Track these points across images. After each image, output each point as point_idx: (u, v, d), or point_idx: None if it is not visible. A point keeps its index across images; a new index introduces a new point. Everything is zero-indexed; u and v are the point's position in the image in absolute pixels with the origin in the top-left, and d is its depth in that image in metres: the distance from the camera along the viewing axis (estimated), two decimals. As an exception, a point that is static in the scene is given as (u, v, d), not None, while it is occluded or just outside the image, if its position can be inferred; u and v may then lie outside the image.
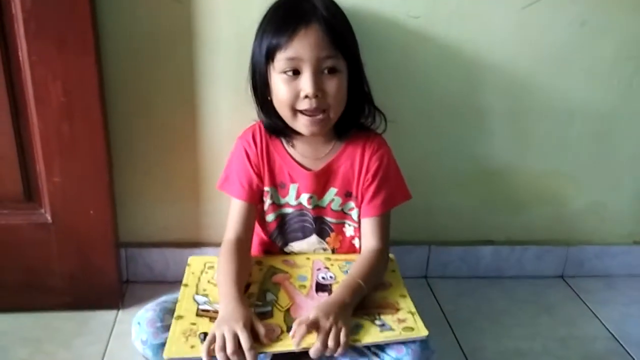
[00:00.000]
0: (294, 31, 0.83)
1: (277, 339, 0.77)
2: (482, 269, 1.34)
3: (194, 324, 0.80)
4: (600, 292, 1.32)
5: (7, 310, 1.11)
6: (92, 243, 1.10)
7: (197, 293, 0.87)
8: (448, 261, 1.33)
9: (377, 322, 0.81)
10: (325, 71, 0.85)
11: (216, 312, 0.81)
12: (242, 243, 0.94)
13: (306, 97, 0.85)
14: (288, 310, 0.83)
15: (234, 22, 1.05)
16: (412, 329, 0.80)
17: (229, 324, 0.76)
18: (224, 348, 0.73)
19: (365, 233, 0.96)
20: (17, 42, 0.97)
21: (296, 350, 0.76)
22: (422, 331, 0.79)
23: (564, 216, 1.33)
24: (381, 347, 0.80)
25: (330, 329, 0.76)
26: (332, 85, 0.86)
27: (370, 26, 0.97)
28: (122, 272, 1.20)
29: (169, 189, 1.18)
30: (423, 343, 0.80)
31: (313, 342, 0.75)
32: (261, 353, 0.75)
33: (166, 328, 0.81)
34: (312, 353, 0.75)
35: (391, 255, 0.99)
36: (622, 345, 1.14)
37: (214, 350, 0.74)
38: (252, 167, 0.96)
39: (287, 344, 0.76)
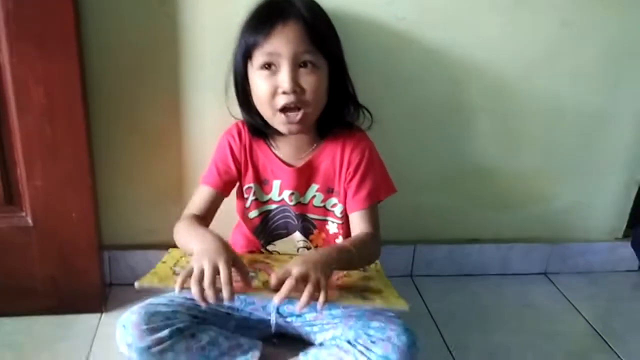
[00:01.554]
0: (271, 27, 0.83)
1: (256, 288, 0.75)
2: (467, 267, 1.35)
3: (171, 269, 0.80)
4: (583, 289, 1.34)
5: (-11, 315, 1.09)
6: (74, 246, 1.09)
7: (175, 265, 0.86)
8: (434, 259, 1.34)
9: (359, 296, 0.81)
10: (304, 65, 0.85)
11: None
12: (202, 220, 0.92)
13: (284, 92, 0.85)
14: (266, 282, 0.80)
15: (217, 28, 1.05)
16: (394, 303, 0.80)
17: (210, 255, 0.72)
18: (201, 280, 0.70)
19: (354, 226, 0.95)
20: (-1, 44, 0.96)
21: (276, 301, 0.72)
22: (402, 304, 0.79)
23: (548, 214, 1.35)
24: (367, 345, 0.80)
25: (308, 275, 0.73)
26: (310, 80, 0.86)
27: (356, 27, 0.97)
28: (105, 275, 1.19)
29: (152, 191, 1.18)
30: (409, 340, 0.81)
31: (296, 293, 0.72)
32: (239, 293, 0.71)
33: (151, 331, 0.80)
34: (275, 298, 0.71)
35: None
36: (605, 340, 1.16)
37: (187, 283, 0.70)
38: (233, 160, 0.96)
39: (264, 292, 0.74)
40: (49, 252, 1.09)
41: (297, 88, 0.85)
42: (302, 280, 0.72)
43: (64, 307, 1.11)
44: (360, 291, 0.84)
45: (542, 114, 1.24)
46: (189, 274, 0.71)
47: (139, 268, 1.20)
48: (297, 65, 0.85)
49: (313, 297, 0.71)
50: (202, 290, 0.70)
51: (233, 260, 0.74)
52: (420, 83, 1.17)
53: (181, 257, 0.91)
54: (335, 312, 0.88)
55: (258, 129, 0.94)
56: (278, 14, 0.84)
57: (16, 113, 0.99)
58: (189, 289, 0.70)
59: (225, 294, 0.69)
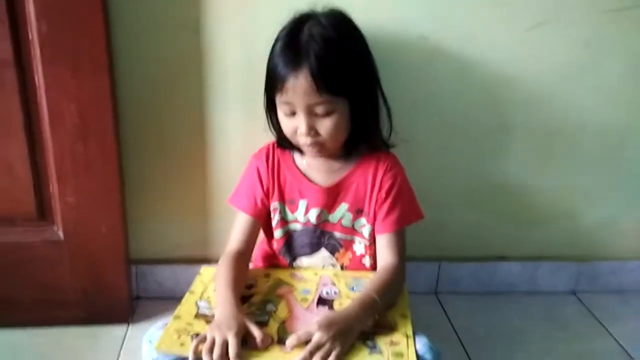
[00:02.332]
0: (285, 78, 0.85)
1: (267, 350, 0.76)
2: (493, 285, 1.33)
3: (190, 324, 0.81)
4: (614, 308, 1.30)
5: (21, 326, 1.12)
6: (103, 260, 1.12)
7: (200, 299, 0.88)
8: (459, 277, 1.32)
9: (369, 342, 0.79)
10: (319, 113, 0.87)
11: (214, 316, 0.82)
12: (242, 255, 0.95)
13: (302, 134, 0.89)
14: (284, 322, 0.83)
15: (244, 48, 1.08)
16: (401, 355, 0.77)
17: (221, 329, 0.76)
18: (211, 351, 0.74)
19: (380, 249, 0.96)
20: (33, 66, 1.00)
21: None
22: (411, 359, 0.77)
23: (576, 232, 1.32)
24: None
25: (324, 345, 0.75)
26: (325, 125, 0.88)
27: (381, 47, 0.98)
28: (132, 288, 1.21)
29: (179, 207, 1.20)
30: (434, 358, 0.80)
31: None
32: None
33: None
34: None
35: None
36: (636, 361, 1.13)
37: (201, 351, 0.74)
38: (261, 184, 0.97)
39: (275, 357, 0.76)
40: (80, 266, 1.12)
41: (312, 132, 0.88)
42: (318, 348, 0.75)
43: (92, 319, 1.14)
44: (371, 332, 0.81)
45: (568, 130, 1.22)
46: (202, 341, 0.76)
47: (166, 282, 1.23)
48: (312, 112, 0.87)
49: None
50: None
51: (245, 329, 0.77)
52: (444, 102, 1.17)
53: (210, 282, 0.92)
54: None
55: (289, 143, 0.96)
56: (291, 60, 0.85)
57: (50, 132, 1.03)
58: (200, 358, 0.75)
59: None
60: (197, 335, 0.78)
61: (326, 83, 0.84)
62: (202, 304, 0.87)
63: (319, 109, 0.87)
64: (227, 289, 0.85)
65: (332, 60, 0.85)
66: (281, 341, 0.78)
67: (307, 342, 0.76)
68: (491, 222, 1.29)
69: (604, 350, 1.16)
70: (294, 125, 0.90)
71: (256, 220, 0.98)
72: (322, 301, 0.89)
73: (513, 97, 1.18)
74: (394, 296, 0.90)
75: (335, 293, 0.91)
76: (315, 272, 0.97)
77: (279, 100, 0.89)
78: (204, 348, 0.75)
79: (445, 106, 1.18)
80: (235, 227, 0.98)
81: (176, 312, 0.84)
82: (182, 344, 0.77)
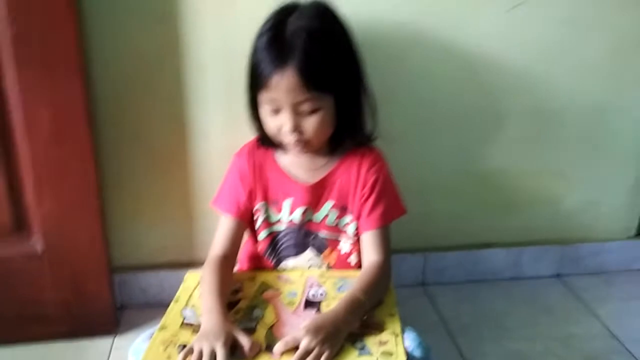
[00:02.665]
0: (270, 75, 0.83)
1: (255, 357, 0.76)
2: (479, 273, 1.34)
3: (175, 335, 0.80)
4: (598, 289, 1.32)
5: (3, 343, 1.09)
6: (85, 270, 1.10)
7: (186, 306, 0.87)
8: (445, 267, 1.33)
9: (358, 344, 0.78)
10: (304, 111, 0.86)
11: (200, 325, 0.80)
12: (227, 259, 0.93)
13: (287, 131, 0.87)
14: (271, 327, 0.82)
15: (223, 42, 1.06)
16: (390, 354, 0.77)
17: (208, 338, 0.75)
18: None
19: (365, 247, 0.95)
20: (4, 69, 0.96)
21: None
22: (400, 358, 0.76)
23: (558, 215, 1.34)
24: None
25: (312, 350, 0.74)
26: (310, 123, 0.86)
27: (360, 36, 0.97)
28: (116, 297, 1.19)
29: (161, 210, 1.18)
30: (423, 353, 0.80)
31: None
32: None
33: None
34: None
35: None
36: (621, 342, 1.14)
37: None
38: (243, 185, 0.96)
39: None
40: (61, 278, 1.09)
41: (297, 129, 0.87)
42: (307, 354, 0.75)
43: (76, 332, 1.12)
44: (361, 326, 0.81)
45: (546, 113, 1.23)
46: (189, 353, 0.75)
47: (150, 289, 1.21)
48: (297, 110, 0.85)
49: None
50: None
51: (232, 339, 0.76)
52: (423, 89, 1.17)
53: (195, 288, 0.91)
54: None
55: (270, 141, 0.95)
56: (275, 57, 0.83)
57: (23, 138, 1.00)
58: None
59: None
60: (184, 346, 0.76)
61: (313, 80, 0.83)
62: (187, 312, 0.85)
63: (305, 107, 0.85)
64: (212, 297, 0.83)
65: (319, 56, 0.83)
66: (269, 348, 0.77)
67: (295, 347, 0.75)
68: (473, 210, 1.30)
69: (590, 332, 1.18)
70: (278, 123, 0.88)
71: (241, 222, 0.96)
72: (309, 304, 0.88)
73: (494, 82, 1.18)
74: (381, 294, 0.90)
75: (321, 294, 0.90)
76: (301, 272, 0.96)
77: (263, 97, 0.87)
78: (192, 359, 0.74)
79: (424, 95, 1.17)
80: (219, 230, 0.96)
81: (161, 322, 0.83)
82: (168, 357, 0.75)
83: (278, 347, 0.76)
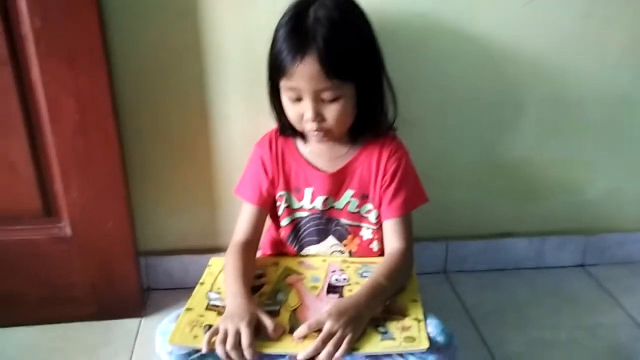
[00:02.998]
0: (291, 63, 0.83)
1: (279, 339, 0.77)
2: (501, 261, 1.34)
3: (201, 316, 0.82)
4: (623, 279, 1.31)
5: (33, 323, 1.13)
6: (112, 253, 1.12)
7: (211, 290, 0.88)
8: (467, 255, 1.33)
9: (381, 329, 0.79)
10: (326, 99, 0.86)
11: (225, 307, 0.82)
12: (249, 245, 0.95)
13: (308, 120, 0.87)
14: (295, 310, 0.83)
15: (243, 32, 1.06)
16: (413, 339, 0.77)
17: (233, 319, 0.77)
18: (224, 342, 0.75)
19: (387, 234, 0.96)
20: (29, 62, 0.98)
21: (295, 354, 0.75)
22: (422, 343, 0.76)
23: (582, 205, 1.32)
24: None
25: (335, 333, 0.75)
26: (331, 111, 0.87)
27: (380, 26, 0.96)
28: (142, 280, 1.22)
29: (184, 197, 1.20)
30: (446, 340, 0.80)
31: None
32: (260, 352, 0.75)
33: None
34: (300, 355, 0.75)
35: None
36: (647, 332, 1.13)
37: (214, 343, 0.75)
38: (266, 173, 0.97)
39: (287, 346, 0.76)
40: (88, 261, 1.12)
41: (319, 118, 0.87)
42: (330, 336, 0.76)
43: (104, 314, 1.15)
44: (384, 312, 0.82)
45: (569, 102, 1.21)
46: (215, 334, 0.76)
47: (176, 273, 1.24)
48: (318, 98, 0.85)
49: (331, 356, 0.75)
50: (226, 352, 0.75)
51: (257, 320, 0.78)
52: (443, 79, 1.16)
53: (219, 273, 0.93)
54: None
55: (291, 130, 0.95)
56: (297, 45, 0.83)
57: (50, 128, 1.03)
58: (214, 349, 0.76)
59: (247, 356, 0.75)
60: (209, 327, 0.78)
61: (334, 68, 0.83)
62: (212, 295, 0.87)
63: (326, 95, 0.85)
64: (236, 280, 0.85)
65: (340, 44, 0.83)
66: (293, 330, 0.78)
67: (317, 330, 0.76)
68: (496, 199, 1.29)
69: (615, 322, 1.17)
70: (300, 112, 0.88)
71: (262, 209, 0.97)
72: (331, 288, 0.89)
73: (513, 72, 1.16)
74: (403, 280, 0.90)
75: (344, 280, 0.91)
76: (323, 258, 0.97)
77: (284, 85, 0.87)
78: (217, 339, 0.75)
79: (445, 85, 1.16)
80: (241, 217, 0.98)
81: (187, 304, 0.85)
82: (195, 337, 0.77)
83: (301, 330, 0.77)
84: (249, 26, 1.06)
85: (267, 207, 0.98)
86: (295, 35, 0.84)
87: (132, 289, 1.16)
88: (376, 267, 0.91)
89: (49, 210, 1.10)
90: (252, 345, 0.74)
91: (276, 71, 0.88)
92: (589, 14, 1.13)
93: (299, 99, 0.87)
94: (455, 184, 1.26)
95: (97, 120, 1.03)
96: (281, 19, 0.87)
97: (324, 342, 0.75)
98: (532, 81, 1.18)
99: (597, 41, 1.16)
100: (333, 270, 0.93)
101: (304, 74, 0.83)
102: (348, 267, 0.94)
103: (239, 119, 1.13)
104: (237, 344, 0.75)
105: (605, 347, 1.09)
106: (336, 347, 0.75)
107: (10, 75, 0.99)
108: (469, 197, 1.28)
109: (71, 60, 0.98)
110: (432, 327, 0.81)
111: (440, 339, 0.80)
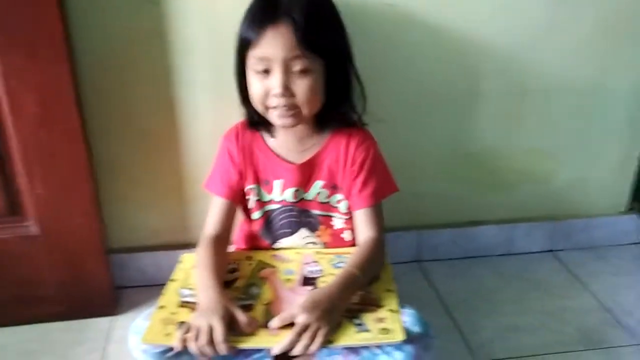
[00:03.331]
0: (262, 30, 0.82)
1: (253, 333, 0.77)
2: (472, 249, 1.36)
3: (174, 313, 0.81)
4: (589, 264, 1.34)
5: (3, 325, 1.10)
6: (81, 251, 1.10)
7: (183, 287, 0.87)
8: (439, 244, 1.34)
9: (356, 320, 0.79)
10: (296, 71, 0.84)
11: (197, 303, 0.81)
12: (221, 239, 0.94)
13: (275, 95, 0.85)
14: (269, 304, 0.83)
15: (206, 21, 1.04)
16: (388, 331, 0.77)
17: (205, 315, 0.76)
18: (197, 339, 0.74)
19: (358, 225, 0.95)
20: (-13, 56, 0.95)
21: (268, 348, 0.75)
22: (397, 335, 0.76)
23: (549, 192, 1.35)
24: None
25: (309, 325, 0.75)
26: (301, 85, 0.85)
27: (347, 16, 0.96)
28: (114, 278, 1.19)
29: (154, 192, 1.18)
30: (423, 330, 0.81)
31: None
32: (233, 347, 0.75)
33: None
34: (274, 349, 0.75)
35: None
36: (614, 315, 1.17)
37: (187, 340, 0.75)
38: (234, 166, 0.96)
39: (262, 340, 0.76)
40: (57, 259, 1.09)
41: (287, 92, 0.85)
42: (304, 330, 0.76)
43: (75, 313, 1.13)
44: (359, 303, 0.82)
45: (536, 92, 1.23)
46: (187, 330, 0.76)
47: (148, 269, 1.22)
48: (288, 69, 0.84)
49: (306, 349, 0.75)
50: (199, 349, 0.75)
51: (230, 314, 0.77)
52: (412, 70, 1.16)
53: (191, 268, 0.92)
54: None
55: (257, 122, 0.94)
56: (270, 14, 0.82)
57: (11, 123, 0.99)
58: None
59: (219, 351, 0.74)
60: (182, 323, 0.77)
61: (307, 37, 0.82)
62: (184, 291, 0.86)
63: (297, 65, 0.83)
64: (208, 275, 0.84)
65: (314, 18, 0.83)
66: (267, 324, 0.77)
67: (291, 324, 0.76)
68: (465, 188, 1.31)
69: (583, 305, 1.20)
70: (267, 87, 0.85)
71: (232, 203, 0.96)
72: (306, 281, 0.89)
73: (480, 63, 1.18)
74: (376, 270, 0.90)
75: (318, 271, 0.90)
76: (297, 251, 0.97)
77: (253, 56, 0.85)
78: (190, 336, 0.75)
79: (413, 77, 1.17)
80: (211, 211, 0.97)
81: (159, 302, 0.83)
82: (168, 334, 0.76)
83: (274, 323, 0.77)
84: (216, 17, 1.04)
85: (237, 201, 0.98)
86: (268, 5, 0.83)
87: (102, 287, 1.13)
88: (349, 257, 0.91)
89: (14, 208, 1.06)
90: (225, 340, 0.74)
91: (246, 41, 0.85)
92: (557, 3, 1.15)
93: (266, 71, 0.85)
94: (425, 174, 1.27)
95: (61, 113, 1.00)
96: (252, 2, 0.87)
97: (299, 335, 0.75)
98: (500, 72, 1.20)
99: (563, 32, 1.18)
100: (307, 262, 0.93)
101: (275, 41, 0.82)
102: (322, 258, 0.94)
103: (207, 113, 1.12)
104: (210, 340, 0.74)
105: (575, 331, 1.12)
106: (311, 340, 0.75)
107: (-32, 69, 0.95)
108: (440, 187, 1.29)
109: (32, 53, 0.95)
110: (408, 316, 0.82)
111: (416, 328, 0.80)
